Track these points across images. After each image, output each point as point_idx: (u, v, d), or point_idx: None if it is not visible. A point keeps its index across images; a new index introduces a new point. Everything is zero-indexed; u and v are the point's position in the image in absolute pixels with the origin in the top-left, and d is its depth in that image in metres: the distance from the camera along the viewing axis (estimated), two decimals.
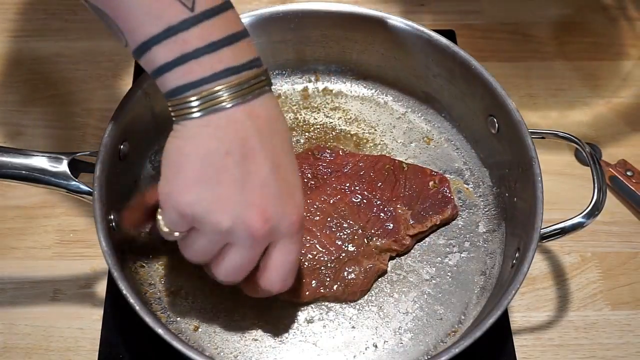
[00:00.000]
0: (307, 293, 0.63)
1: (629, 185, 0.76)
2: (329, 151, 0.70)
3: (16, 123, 0.81)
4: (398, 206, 0.67)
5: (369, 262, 0.64)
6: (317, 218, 0.66)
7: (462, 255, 0.68)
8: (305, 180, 0.68)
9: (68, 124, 0.81)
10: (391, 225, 0.66)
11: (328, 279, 0.63)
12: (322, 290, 0.63)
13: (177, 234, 0.52)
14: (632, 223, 0.76)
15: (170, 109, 0.49)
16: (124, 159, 0.65)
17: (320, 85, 0.77)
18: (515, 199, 0.66)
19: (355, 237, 0.65)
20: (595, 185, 0.62)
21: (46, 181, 0.61)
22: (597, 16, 0.92)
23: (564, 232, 0.62)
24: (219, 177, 0.49)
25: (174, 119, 0.50)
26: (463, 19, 0.90)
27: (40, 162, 0.61)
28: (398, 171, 0.69)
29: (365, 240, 0.65)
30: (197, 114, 0.48)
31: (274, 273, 0.54)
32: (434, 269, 0.67)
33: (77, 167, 0.62)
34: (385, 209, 0.67)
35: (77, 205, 0.74)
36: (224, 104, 0.48)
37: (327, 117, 0.75)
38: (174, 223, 0.51)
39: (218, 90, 0.48)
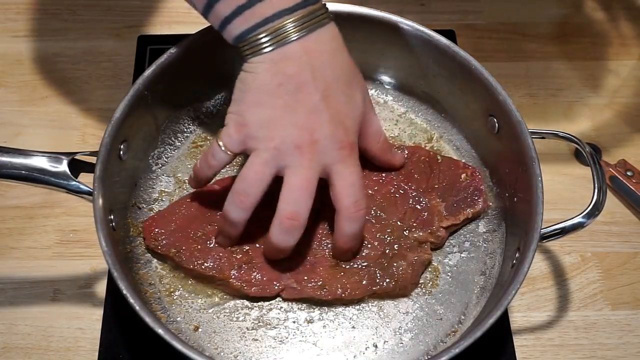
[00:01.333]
0: (357, 291, 0.63)
1: (629, 185, 0.76)
2: None
3: (16, 123, 0.81)
4: (432, 197, 0.67)
5: (413, 255, 0.64)
6: None
7: (462, 255, 0.68)
8: None
9: (68, 124, 0.81)
10: (426, 216, 0.66)
11: (378, 276, 0.63)
12: (373, 288, 0.63)
13: (229, 152, 0.58)
14: (632, 223, 0.76)
15: (239, 51, 0.58)
16: (124, 159, 0.65)
17: None
18: (515, 199, 0.66)
19: (395, 229, 0.65)
20: (595, 185, 0.62)
21: (46, 181, 0.61)
22: (597, 16, 0.92)
23: (564, 232, 0.61)
24: (272, 103, 0.56)
25: (244, 58, 0.58)
26: (463, 19, 0.90)
27: (40, 162, 0.61)
28: (433, 163, 0.69)
29: (403, 232, 0.65)
30: (266, 50, 0.56)
31: (343, 196, 0.58)
32: (434, 268, 0.67)
33: (77, 167, 0.62)
34: (420, 200, 0.67)
35: (77, 205, 0.74)
36: (283, 40, 0.56)
37: None
38: (231, 138, 0.58)
39: (277, 29, 0.56)
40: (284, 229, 0.58)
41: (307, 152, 0.57)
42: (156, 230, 0.64)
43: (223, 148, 0.58)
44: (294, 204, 0.57)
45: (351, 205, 0.58)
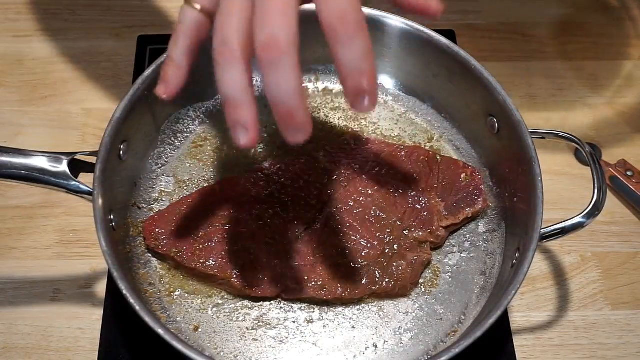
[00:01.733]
0: (357, 291, 0.63)
1: (629, 185, 0.76)
2: (365, 139, 0.70)
3: (16, 123, 0.81)
4: (432, 197, 0.67)
5: (413, 255, 0.64)
6: (357, 211, 0.66)
7: (462, 255, 0.68)
8: (343, 170, 0.68)
9: (68, 124, 0.81)
10: (426, 216, 0.66)
11: (378, 276, 0.63)
12: (373, 288, 0.63)
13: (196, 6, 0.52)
14: (632, 223, 0.76)
15: None
16: (124, 159, 0.65)
17: (321, 85, 0.77)
18: (515, 199, 0.66)
19: (394, 229, 0.65)
20: (595, 185, 0.62)
21: (46, 181, 0.61)
22: (597, 16, 0.92)
23: (564, 232, 0.62)
24: None
25: None
26: (463, 19, 0.90)
27: (40, 162, 0.61)
28: (432, 162, 0.69)
29: (403, 232, 0.66)
30: None
31: (324, 12, 0.47)
32: (434, 269, 0.67)
33: (77, 167, 0.62)
34: (420, 200, 0.67)
35: (77, 205, 0.74)
36: None
37: (327, 117, 0.75)
38: None
39: None
40: (267, 62, 0.45)
41: None
42: (157, 230, 0.64)
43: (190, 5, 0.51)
44: (268, 27, 0.46)
45: (335, 21, 0.46)
